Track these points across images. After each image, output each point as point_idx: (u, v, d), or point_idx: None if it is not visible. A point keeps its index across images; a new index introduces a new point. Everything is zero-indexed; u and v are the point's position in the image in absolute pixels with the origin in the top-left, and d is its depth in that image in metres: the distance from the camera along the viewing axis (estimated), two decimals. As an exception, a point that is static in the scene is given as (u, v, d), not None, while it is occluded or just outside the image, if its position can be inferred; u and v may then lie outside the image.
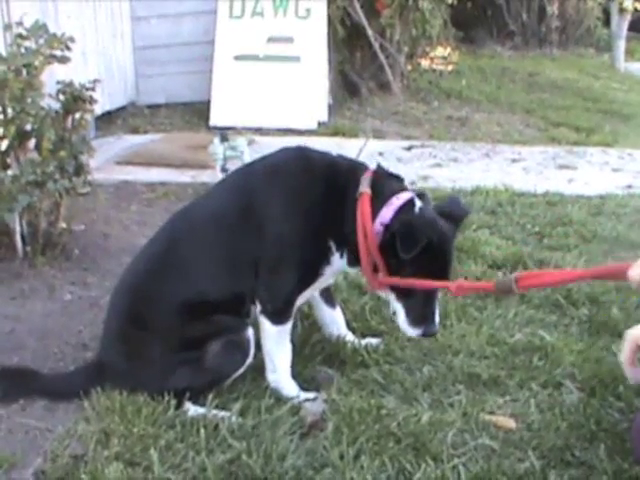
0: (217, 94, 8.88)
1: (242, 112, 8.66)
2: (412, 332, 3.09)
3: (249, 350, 3.07)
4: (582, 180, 6.92)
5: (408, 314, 3.06)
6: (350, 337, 3.56)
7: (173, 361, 3.02)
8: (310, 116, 8.73)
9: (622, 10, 14.26)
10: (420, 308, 3.05)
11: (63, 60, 4.46)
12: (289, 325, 3.15)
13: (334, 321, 3.57)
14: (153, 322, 3.06)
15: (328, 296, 3.55)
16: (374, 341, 3.54)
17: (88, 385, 3.09)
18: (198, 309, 3.04)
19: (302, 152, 3.23)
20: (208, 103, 8.88)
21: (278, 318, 3.11)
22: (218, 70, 8.97)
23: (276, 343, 3.15)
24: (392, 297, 3.09)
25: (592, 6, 16.81)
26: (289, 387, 3.16)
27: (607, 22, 15.80)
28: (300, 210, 3.07)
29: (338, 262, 3.13)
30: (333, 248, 3.09)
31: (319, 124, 8.74)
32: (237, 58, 8.95)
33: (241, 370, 3.08)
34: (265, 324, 3.12)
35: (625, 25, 14.41)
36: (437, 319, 3.10)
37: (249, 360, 3.08)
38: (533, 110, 10.30)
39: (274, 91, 8.79)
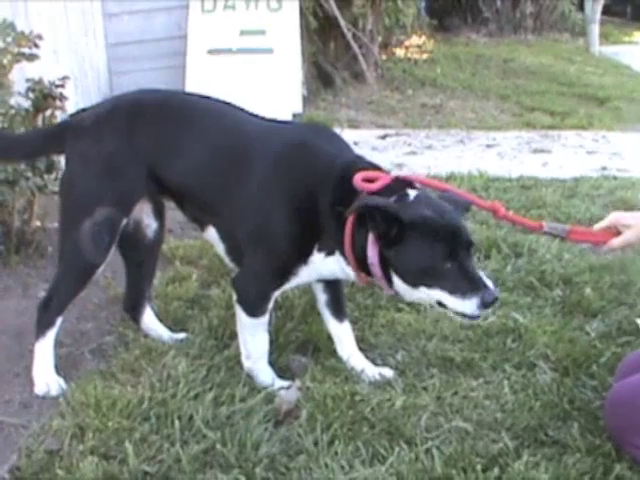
0: (191, 88, 8.81)
1: (217, 106, 8.62)
2: (470, 306, 2.65)
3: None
4: (556, 163, 6.95)
5: (453, 291, 2.66)
6: (356, 360, 3.29)
7: None
8: (284, 108, 8.70)
9: (595, -6, 14.35)
10: (462, 277, 2.65)
11: (31, 58, 4.44)
12: (264, 318, 3.11)
13: (339, 337, 3.33)
14: None
15: (336, 308, 3.32)
16: (388, 372, 3.24)
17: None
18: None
19: (314, 140, 3.03)
20: (182, 98, 8.85)
21: (252, 311, 3.08)
22: (191, 64, 8.94)
23: (250, 333, 3.13)
24: (423, 290, 2.72)
25: (566, -9, 16.91)
26: (263, 374, 3.15)
27: (581, 6, 15.88)
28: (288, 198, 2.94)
29: (319, 264, 2.98)
30: (315, 249, 2.95)
31: (294, 115, 8.71)
32: (210, 52, 8.92)
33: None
34: (240, 314, 3.10)
35: (599, 9, 14.48)
36: (490, 282, 2.67)
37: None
38: (508, 96, 10.34)
39: (248, 84, 8.75)
